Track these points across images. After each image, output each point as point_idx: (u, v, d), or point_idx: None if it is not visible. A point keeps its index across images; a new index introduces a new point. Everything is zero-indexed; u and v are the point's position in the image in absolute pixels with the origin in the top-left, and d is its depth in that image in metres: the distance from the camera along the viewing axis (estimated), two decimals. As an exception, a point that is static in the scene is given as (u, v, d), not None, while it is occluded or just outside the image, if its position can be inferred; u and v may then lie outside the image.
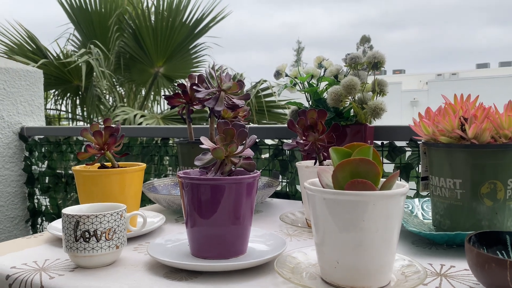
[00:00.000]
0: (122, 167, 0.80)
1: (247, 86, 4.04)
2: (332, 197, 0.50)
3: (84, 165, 0.80)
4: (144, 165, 0.80)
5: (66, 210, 0.62)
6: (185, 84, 1.03)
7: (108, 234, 0.60)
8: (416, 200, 0.90)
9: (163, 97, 1.06)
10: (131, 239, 0.74)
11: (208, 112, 1.00)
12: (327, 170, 0.56)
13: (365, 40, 36.38)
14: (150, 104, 4.24)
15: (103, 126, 0.79)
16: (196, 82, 1.01)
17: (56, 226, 0.77)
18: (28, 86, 1.79)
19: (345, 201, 0.49)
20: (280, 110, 3.78)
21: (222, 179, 0.60)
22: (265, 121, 3.93)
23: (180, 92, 1.04)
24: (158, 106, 4.22)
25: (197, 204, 0.61)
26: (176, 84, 4.25)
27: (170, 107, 1.05)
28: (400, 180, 1.06)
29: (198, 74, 1.00)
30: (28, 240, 0.77)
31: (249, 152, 0.66)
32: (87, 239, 0.59)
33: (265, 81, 4.17)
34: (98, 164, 0.80)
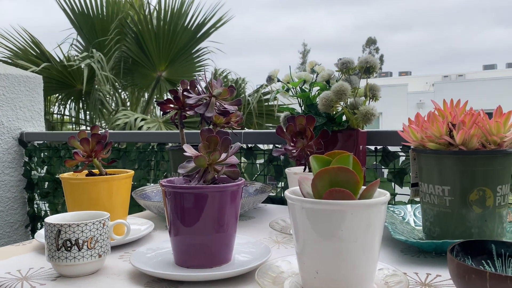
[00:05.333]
0: (110, 174, 0.80)
1: (250, 90, 4.06)
2: (311, 206, 0.49)
3: (72, 172, 0.80)
4: (132, 172, 0.80)
5: (48, 219, 0.62)
6: (177, 90, 1.03)
7: (90, 243, 0.60)
8: (409, 206, 0.89)
9: (155, 102, 1.07)
10: (117, 247, 0.73)
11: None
12: (308, 178, 0.55)
13: (371, 42, 36.30)
14: (152, 108, 4.27)
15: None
16: (188, 88, 1.01)
17: (43, 234, 0.76)
18: (28, 92, 1.80)
19: (323, 210, 0.48)
20: (282, 114, 3.79)
21: (204, 187, 0.60)
22: (269, 125, 3.93)
23: (172, 98, 1.04)
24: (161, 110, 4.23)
25: (180, 213, 0.61)
26: (178, 89, 4.27)
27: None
28: (394, 186, 1.05)
29: (190, 80, 1.00)
30: (17, 247, 0.77)
31: (233, 159, 0.65)
32: (69, 248, 0.59)
33: (267, 85, 4.17)
34: (86, 172, 0.80)
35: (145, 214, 1.01)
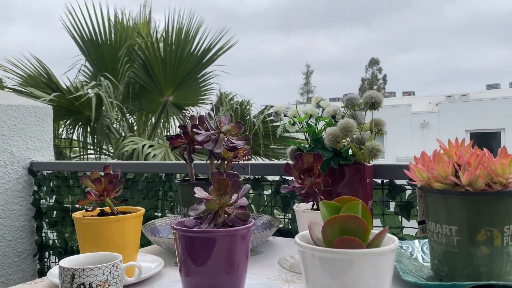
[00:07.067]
0: (121, 211, 0.82)
1: (255, 112, 4.11)
2: (322, 255, 0.50)
3: (84, 211, 0.81)
4: (142, 210, 0.81)
5: (63, 262, 0.63)
6: (186, 125, 1.06)
7: (103, 286, 0.61)
8: (416, 241, 0.89)
9: (165, 137, 1.09)
10: (129, 286, 0.74)
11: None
12: (318, 223, 0.56)
13: (373, 62, 36.60)
14: (159, 131, 4.31)
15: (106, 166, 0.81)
16: (197, 123, 1.03)
17: (56, 273, 0.77)
18: (38, 122, 1.84)
19: (333, 259, 0.49)
20: (287, 134, 3.82)
21: (214, 231, 0.61)
22: (274, 147, 3.96)
23: (181, 133, 1.06)
24: (168, 133, 4.29)
25: (190, 255, 0.62)
26: (184, 112, 4.33)
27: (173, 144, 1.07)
28: (402, 219, 1.06)
29: (199, 115, 1.02)
30: (29, 286, 0.78)
31: (243, 201, 0.67)
32: (83, 292, 0.60)
33: (272, 106, 4.25)
34: (98, 210, 0.82)
35: (154, 248, 1.02)
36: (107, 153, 3.90)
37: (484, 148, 0.74)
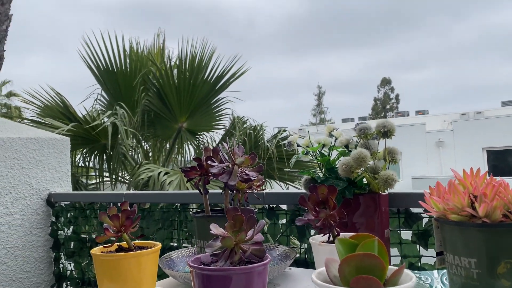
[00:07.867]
0: (138, 246, 0.83)
1: (268, 135, 4.13)
2: (338, 294, 0.50)
3: (102, 246, 0.83)
4: (159, 245, 0.82)
5: (82, 301, 0.64)
6: (201, 158, 1.07)
7: (122, 325, 0.61)
8: (435, 272, 0.88)
9: (180, 169, 1.10)
10: (146, 324, 0.74)
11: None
12: (335, 260, 0.56)
13: (385, 82, 36.61)
14: (174, 157, 4.35)
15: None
16: (211, 154, 1.04)
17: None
18: (56, 154, 1.88)
19: (350, 298, 0.49)
20: (302, 158, 3.82)
21: (230, 269, 0.61)
22: (288, 170, 3.96)
23: (196, 165, 1.07)
24: (182, 159, 4.33)
25: (208, 293, 0.62)
26: (198, 137, 4.38)
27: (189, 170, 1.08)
28: (419, 248, 1.04)
29: (213, 147, 1.04)
30: (48, 323, 0.79)
31: (259, 237, 0.67)
32: (101, 332, 0.60)
33: (285, 130, 4.27)
34: (116, 246, 0.83)
35: (171, 281, 1.02)
36: (123, 180, 3.94)
37: (501, 177, 0.73)
